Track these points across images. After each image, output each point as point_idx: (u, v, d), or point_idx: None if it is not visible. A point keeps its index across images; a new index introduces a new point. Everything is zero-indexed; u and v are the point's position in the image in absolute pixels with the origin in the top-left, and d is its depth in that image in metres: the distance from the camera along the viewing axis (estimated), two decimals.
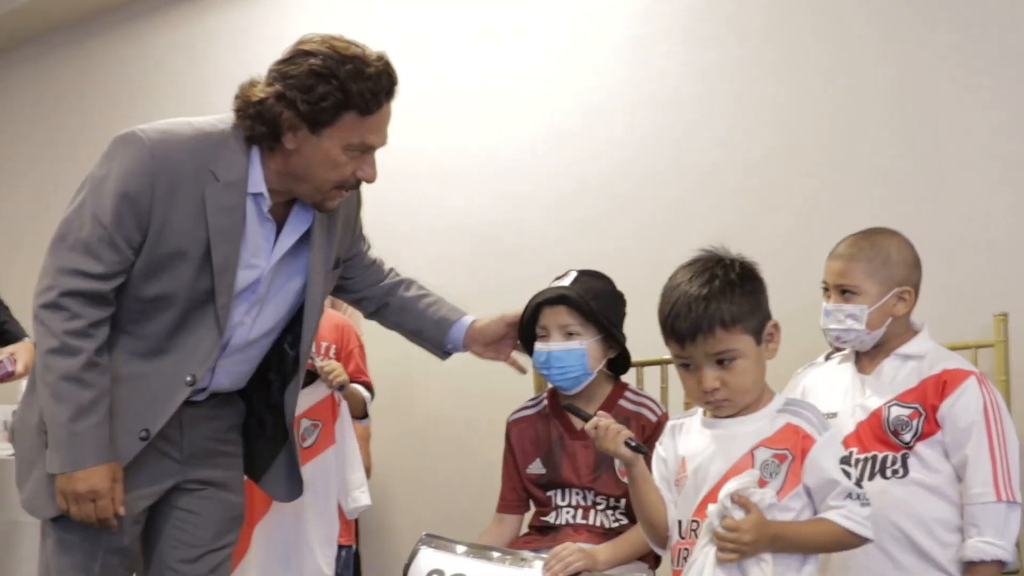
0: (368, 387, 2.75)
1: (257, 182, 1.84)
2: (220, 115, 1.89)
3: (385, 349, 3.12)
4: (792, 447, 1.62)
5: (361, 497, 2.60)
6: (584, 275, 2.22)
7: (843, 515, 1.58)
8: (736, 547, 1.54)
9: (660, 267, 2.93)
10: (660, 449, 1.77)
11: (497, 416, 2.80)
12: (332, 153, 1.81)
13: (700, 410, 1.74)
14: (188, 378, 1.85)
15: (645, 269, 2.62)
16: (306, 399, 2.53)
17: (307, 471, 2.49)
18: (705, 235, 2.93)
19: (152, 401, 1.85)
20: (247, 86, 1.84)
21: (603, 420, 1.71)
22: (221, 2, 4.31)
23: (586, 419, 1.75)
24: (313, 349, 2.63)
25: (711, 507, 1.58)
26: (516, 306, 2.26)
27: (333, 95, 1.76)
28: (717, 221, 2.94)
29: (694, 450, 1.70)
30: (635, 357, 2.28)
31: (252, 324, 1.93)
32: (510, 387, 3.03)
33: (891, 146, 2.77)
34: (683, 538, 1.68)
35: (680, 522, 1.69)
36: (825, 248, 2.09)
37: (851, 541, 1.60)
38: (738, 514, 1.56)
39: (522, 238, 3.39)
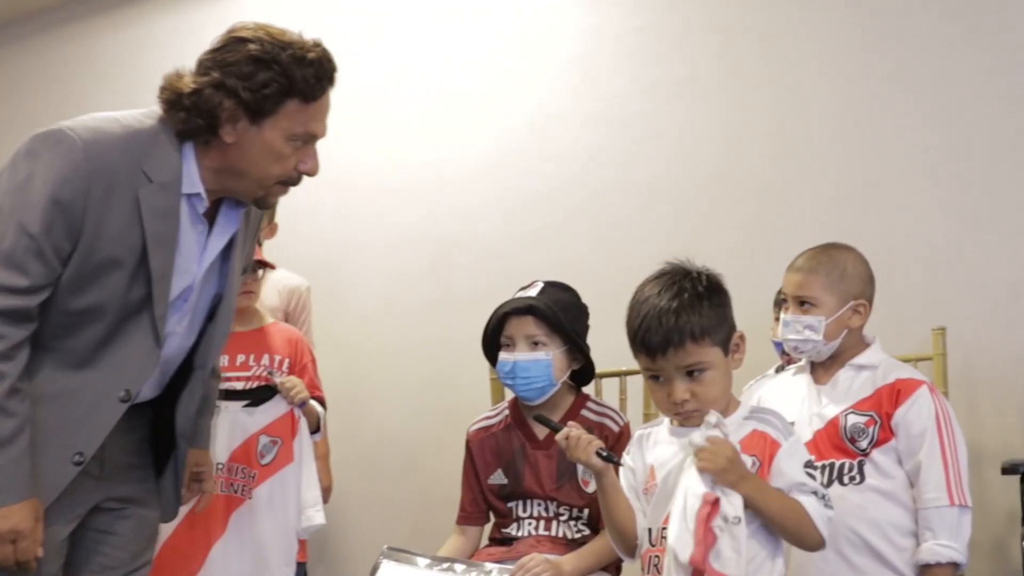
0: (321, 402, 2.71)
1: (193, 181, 1.70)
2: (144, 109, 1.72)
3: (335, 363, 3.11)
4: (760, 453, 1.65)
5: (315, 516, 2.56)
6: (551, 286, 2.24)
7: (810, 504, 1.61)
8: (711, 458, 1.56)
9: (610, 280, 3.02)
10: (628, 459, 1.78)
11: (448, 430, 2.81)
12: (276, 144, 1.70)
13: (666, 420, 1.77)
14: (121, 393, 1.70)
15: (596, 282, 2.68)
16: (265, 415, 2.52)
17: (265, 488, 2.51)
18: (652, 249, 3.00)
19: (83, 420, 1.68)
20: (174, 78, 1.68)
21: (574, 431, 1.71)
22: (163, 4, 4.23)
23: (556, 430, 1.75)
24: (268, 362, 2.60)
25: (694, 434, 1.59)
26: (472, 316, 2.26)
27: (276, 81, 1.65)
28: (663, 236, 3.01)
29: (663, 459, 1.71)
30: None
31: (184, 333, 1.80)
32: (461, 400, 3.05)
33: (832, 165, 2.87)
34: (653, 545, 1.69)
35: (650, 530, 1.71)
36: (770, 263, 2.14)
37: (810, 533, 1.61)
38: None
39: (474, 251, 3.41)
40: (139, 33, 4.24)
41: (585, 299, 2.29)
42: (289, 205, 3.50)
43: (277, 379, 2.54)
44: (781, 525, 1.62)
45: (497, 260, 3.31)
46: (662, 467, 1.70)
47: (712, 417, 1.61)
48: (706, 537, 1.54)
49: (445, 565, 1.98)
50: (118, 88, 4.22)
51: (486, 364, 2.32)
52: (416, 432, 3.40)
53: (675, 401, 1.65)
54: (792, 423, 1.98)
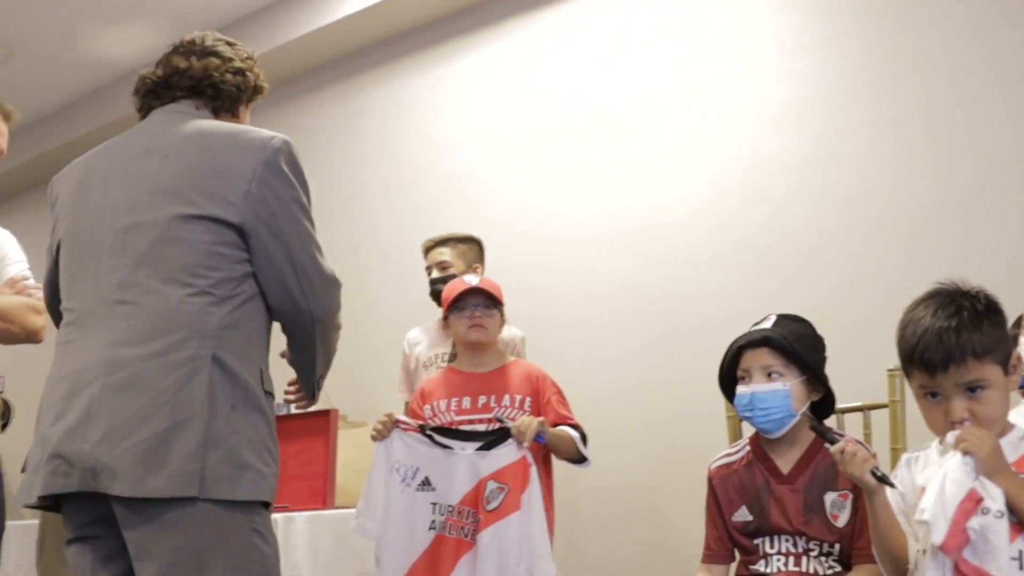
0: (578, 429, 2.65)
1: None
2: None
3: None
4: None
5: (548, 568, 2.45)
6: (784, 318, 2.22)
7: None
8: (977, 443, 1.52)
9: (844, 318, 2.97)
10: (896, 481, 1.74)
11: (684, 471, 2.78)
12: None
13: (935, 443, 1.72)
14: None
15: (828, 320, 2.64)
16: (496, 460, 2.50)
17: (488, 535, 2.45)
18: (868, 288, 2.99)
19: None
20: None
21: (851, 445, 1.70)
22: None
23: (832, 442, 1.74)
24: (509, 402, 2.65)
25: (949, 434, 1.57)
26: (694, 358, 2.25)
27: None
28: (882, 277, 2.94)
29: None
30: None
31: None
32: (690, 441, 3.03)
33: None
34: None
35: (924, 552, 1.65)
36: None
37: None
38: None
39: (690, 296, 3.43)
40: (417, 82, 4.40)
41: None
42: (501, 260, 3.71)
43: (508, 423, 2.52)
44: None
45: (716, 304, 3.31)
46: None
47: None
48: (963, 530, 1.49)
49: None
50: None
51: (712, 404, 2.30)
52: (650, 476, 3.38)
53: (954, 420, 1.61)
54: None
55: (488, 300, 2.73)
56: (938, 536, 1.49)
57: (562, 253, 3.72)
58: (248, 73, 2.00)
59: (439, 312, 3.28)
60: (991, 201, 2.88)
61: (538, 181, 3.85)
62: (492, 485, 2.50)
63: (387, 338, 3.77)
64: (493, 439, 2.54)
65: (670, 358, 3.40)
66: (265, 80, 2.07)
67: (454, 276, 3.22)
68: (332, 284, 1.87)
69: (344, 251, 3.93)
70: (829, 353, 2.25)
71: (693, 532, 2.30)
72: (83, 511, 1.71)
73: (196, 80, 1.92)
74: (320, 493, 2.94)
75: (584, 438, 2.69)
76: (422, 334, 3.44)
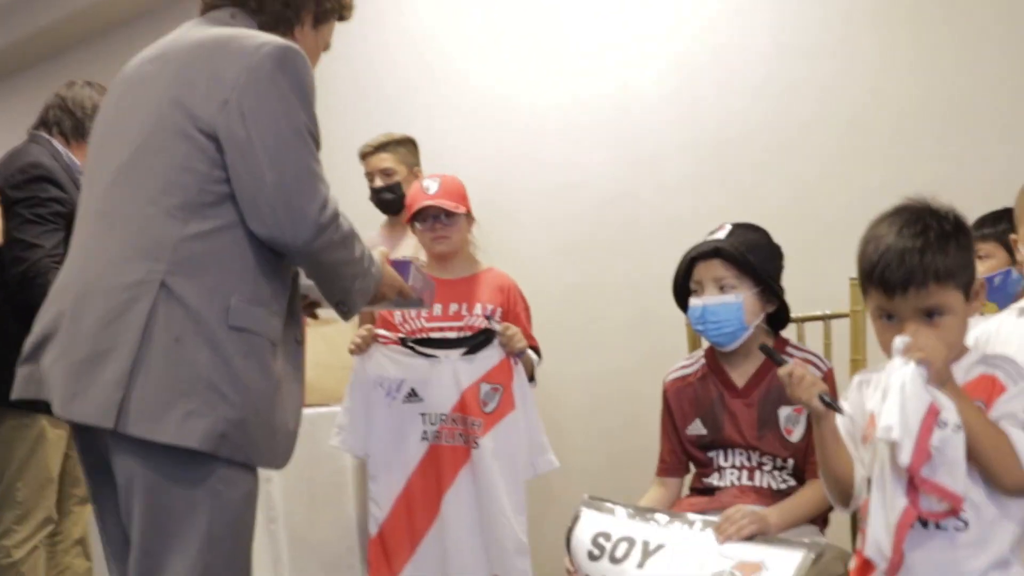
0: (536, 350, 2.66)
1: None
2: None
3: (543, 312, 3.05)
4: (985, 396, 1.52)
5: (552, 460, 2.54)
6: (739, 228, 2.14)
7: (1019, 437, 1.46)
8: (930, 351, 1.43)
9: (804, 220, 2.88)
10: (846, 405, 1.68)
11: (645, 377, 2.74)
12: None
13: (890, 364, 1.65)
14: None
15: (791, 221, 2.56)
16: (484, 363, 2.52)
17: (490, 438, 2.50)
18: (840, 189, 2.89)
19: None
20: None
21: (798, 369, 1.63)
22: None
23: (779, 363, 1.68)
24: (481, 311, 2.62)
25: (898, 339, 1.46)
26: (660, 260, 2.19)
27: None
28: (856, 178, 2.87)
29: None
30: (794, 314, 2.20)
31: None
32: (661, 345, 2.98)
33: None
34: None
35: (869, 480, 1.61)
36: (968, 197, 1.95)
37: (1009, 466, 1.45)
38: None
39: (651, 190, 3.33)
40: None
41: (784, 243, 2.18)
42: (469, 150, 3.59)
43: (496, 326, 2.53)
44: (977, 449, 1.45)
45: (683, 198, 3.22)
46: None
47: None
48: (927, 448, 1.41)
49: (647, 515, 1.93)
50: None
51: (678, 311, 2.24)
52: (626, 377, 3.34)
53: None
54: None
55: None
56: (905, 456, 1.41)
57: (528, 142, 3.60)
58: None
59: (383, 218, 3.28)
60: (976, 102, 2.74)
61: (507, 69, 3.69)
62: (486, 387, 2.53)
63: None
64: (478, 343, 2.56)
65: (634, 255, 3.32)
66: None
67: (398, 184, 3.19)
68: (318, 213, 1.62)
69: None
70: (793, 256, 2.19)
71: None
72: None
73: None
74: None
75: (540, 359, 2.69)
76: (369, 241, 3.35)
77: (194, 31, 1.75)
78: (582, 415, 3.44)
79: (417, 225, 2.70)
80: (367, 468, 2.60)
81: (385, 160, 3.23)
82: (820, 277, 2.52)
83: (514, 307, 2.67)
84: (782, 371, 1.66)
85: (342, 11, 1.95)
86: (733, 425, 2.10)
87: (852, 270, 1.65)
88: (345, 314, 1.84)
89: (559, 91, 3.55)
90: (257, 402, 1.61)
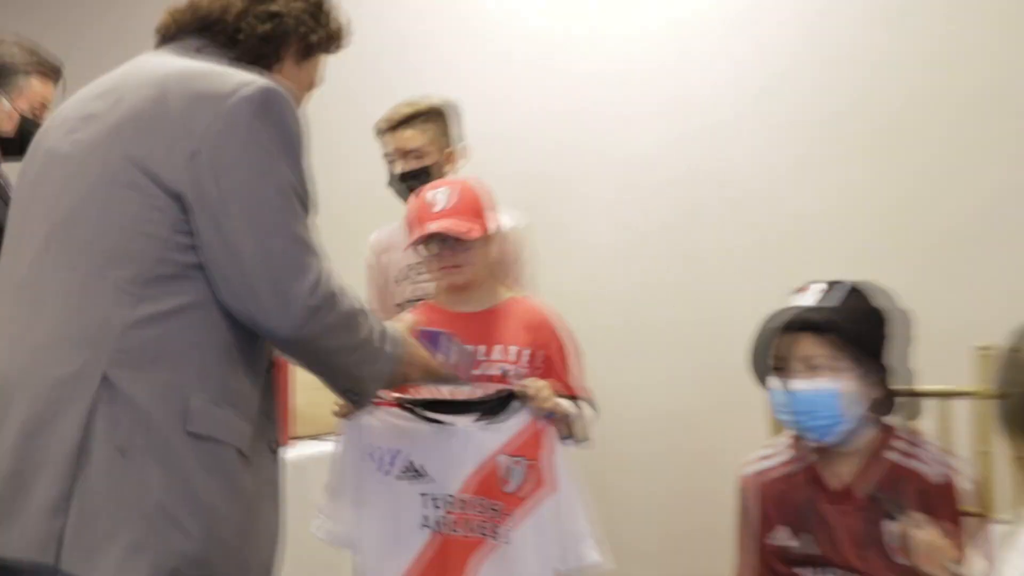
0: (586, 401, 2.02)
1: None
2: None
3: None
4: None
5: (588, 552, 1.87)
6: (837, 288, 1.71)
7: None
8: None
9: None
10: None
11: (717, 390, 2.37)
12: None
13: None
14: None
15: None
16: (503, 430, 1.90)
17: (528, 530, 1.87)
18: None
19: None
20: None
21: (921, 532, 1.32)
22: None
23: (895, 516, 1.31)
24: (501, 355, 2.02)
25: None
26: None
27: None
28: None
29: None
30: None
31: None
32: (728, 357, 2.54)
33: None
34: None
35: None
36: None
37: None
38: None
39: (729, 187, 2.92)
40: None
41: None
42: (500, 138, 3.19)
43: (515, 386, 1.91)
44: None
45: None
46: None
47: None
48: None
49: None
50: None
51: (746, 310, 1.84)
52: (674, 395, 2.97)
53: None
54: None
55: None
56: None
57: (574, 123, 3.20)
58: (287, 19, 1.51)
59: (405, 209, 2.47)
60: None
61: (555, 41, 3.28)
62: (506, 461, 1.91)
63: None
64: (496, 404, 1.93)
65: (693, 253, 2.91)
66: (340, 27, 1.61)
67: (427, 169, 2.58)
68: (307, 294, 1.32)
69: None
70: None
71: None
72: None
73: (205, 19, 1.48)
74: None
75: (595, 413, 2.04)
76: (389, 237, 2.69)
77: (153, 63, 1.43)
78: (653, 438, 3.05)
79: (422, 250, 2.09)
80: (354, 562, 2.01)
81: (411, 139, 2.58)
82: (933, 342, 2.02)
83: (547, 348, 2.04)
84: (894, 529, 1.27)
85: (331, 44, 1.63)
86: (828, 538, 1.70)
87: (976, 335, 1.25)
88: (356, 403, 1.57)
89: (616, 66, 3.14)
90: (222, 531, 1.29)
